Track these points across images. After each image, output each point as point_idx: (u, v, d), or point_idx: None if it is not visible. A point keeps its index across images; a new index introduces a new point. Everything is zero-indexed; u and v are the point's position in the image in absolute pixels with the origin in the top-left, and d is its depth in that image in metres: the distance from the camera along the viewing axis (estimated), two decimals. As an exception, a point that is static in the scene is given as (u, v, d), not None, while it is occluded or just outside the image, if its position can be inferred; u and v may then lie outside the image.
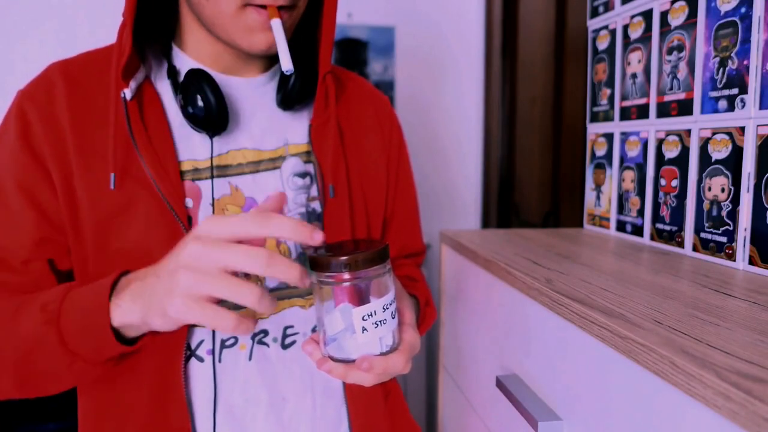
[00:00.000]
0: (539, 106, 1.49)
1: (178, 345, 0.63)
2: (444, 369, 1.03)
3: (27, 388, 0.60)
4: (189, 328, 0.64)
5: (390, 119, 0.83)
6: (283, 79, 0.69)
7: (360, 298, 0.51)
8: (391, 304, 0.53)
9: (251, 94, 0.71)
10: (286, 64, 0.61)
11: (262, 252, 0.46)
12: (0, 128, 0.66)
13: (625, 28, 0.91)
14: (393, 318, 0.53)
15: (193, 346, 0.65)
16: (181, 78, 0.67)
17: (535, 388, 0.64)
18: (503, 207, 1.71)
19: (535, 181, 1.53)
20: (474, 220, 1.83)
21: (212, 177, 0.66)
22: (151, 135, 0.63)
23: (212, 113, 0.64)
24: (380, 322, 0.52)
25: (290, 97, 0.69)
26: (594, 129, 1.01)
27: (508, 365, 0.72)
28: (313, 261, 0.51)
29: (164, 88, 0.68)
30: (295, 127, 0.72)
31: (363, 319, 0.51)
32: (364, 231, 0.75)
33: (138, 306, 0.52)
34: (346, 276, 0.50)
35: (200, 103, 0.63)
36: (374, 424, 0.74)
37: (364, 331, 0.51)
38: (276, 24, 0.61)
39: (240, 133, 0.69)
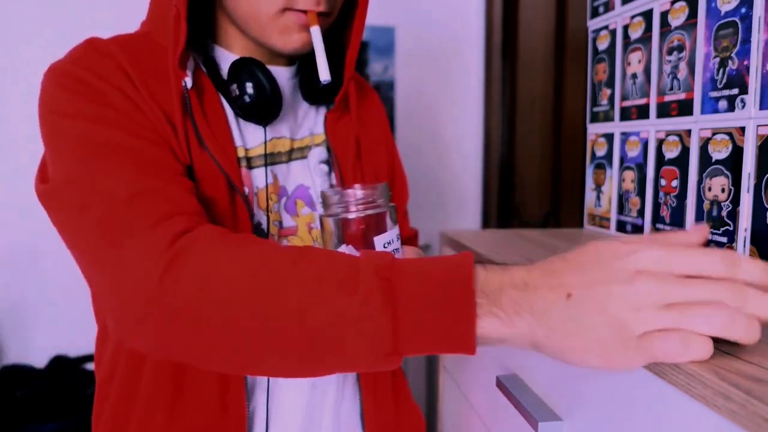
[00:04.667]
0: (539, 106, 1.49)
1: None
2: (444, 369, 1.03)
3: (311, 366, 0.44)
4: None
5: (384, 112, 0.86)
6: (309, 74, 0.70)
7: (376, 229, 0.54)
8: (398, 237, 0.56)
9: (285, 84, 0.71)
10: (324, 74, 0.61)
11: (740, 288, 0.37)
12: (52, 102, 0.56)
13: (626, 28, 0.91)
14: (402, 248, 0.57)
15: None
16: (222, 69, 0.66)
17: (535, 388, 0.64)
18: (503, 207, 1.71)
19: (535, 181, 1.53)
20: (474, 220, 1.83)
21: (266, 165, 0.66)
22: (211, 123, 0.62)
23: (267, 102, 0.63)
24: (395, 251, 0.55)
25: (320, 92, 0.70)
26: (594, 129, 1.01)
27: (508, 365, 0.72)
28: (328, 197, 0.54)
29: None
30: (317, 118, 0.74)
31: (384, 247, 0.53)
32: None
33: (530, 323, 0.40)
34: (361, 207, 0.53)
35: (254, 91, 0.63)
36: (382, 404, 0.75)
37: None
38: (316, 32, 0.61)
39: (281, 122, 0.70)
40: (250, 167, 0.66)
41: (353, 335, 0.41)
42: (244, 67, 0.63)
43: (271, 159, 0.68)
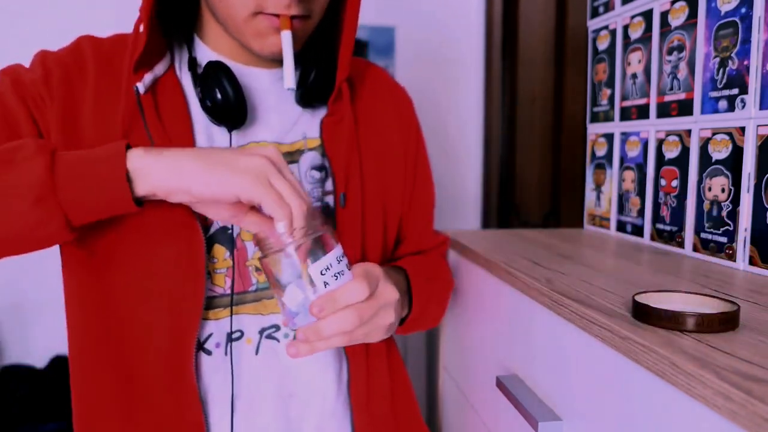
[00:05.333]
0: (539, 106, 1.49)
1: (189, 337, 0.62)
2: (444, 369, 1.03)
3: None
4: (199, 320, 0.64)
5: (409, 112, 0.83)
6: (303, 76, 0.68)
7: (318, 252, 0.52)
8: (342, 257, 0.54)
9: (271, 86, 0.71)
10: (289, 82, 0.61)
11: (306, 203, 0.53)
12: (11, 68, 0.63)
13: (626, 28, 0.91)
14: (349, 270, 0.55)
15: (201, 339, 0.64)
16: (201, 70, 0.66)
17: (535, 388, 0.64)
18: (503, 207, 1.71)
19: (535, 181, 1.53)
20: (474, 220, 1.83)
21: None
22: (168, 126, 0.63)
23: (231, 107, 0.63)
24: (338, 273, 0.53)
25: (309, 95, 0.69)
26: (594, 129, 1.01)
27: (508, 365, 0.72)
28: (257, 238, 0.54)
29: (187, 79, 0.67)
30: (313, 121, 0.72)
31: (321, 274, 0.52)
32: (379, 231, 0.74)
33: (176, 154, 0.52)
34: (289, 240, 0.51)
35: (218, 96, 0.63)
36: (377, 424, 0.74)
37: (327, 286, 0.52)
38: (286, 36, 0.60)
39: (260, 125, 0.69)
40: None
41: (11, 182, 0.49)
42: (211, 71, 0.64)
43: None
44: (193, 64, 0.67)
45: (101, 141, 0.60)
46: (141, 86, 0.61)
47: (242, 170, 0.50)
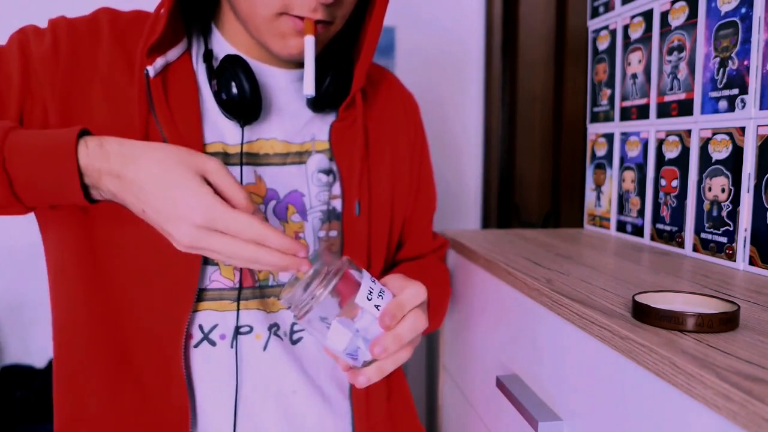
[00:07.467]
0: (539, 106, 1.49)
1: (179, 324, 0.63)
2: (444, 369, 1.03)
3: None
4: (201, 312, 0.64)
5: (416, 119, 0.83)
6: (318, 81, 0.68)
7: (351, 290, 0.51)
8: (371, 278, 0.54)
9: (286, 85, 0.71)
10: (308, 88, 0.61)
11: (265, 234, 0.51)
12: (23, 31, 0.63)
13: (626, 28, 0.91)
14: (386, 286, 0.55)
15: (206, 330, 0.65)
16: (217, 62, 0.66)
17: (535, 388, 0.64)
18: (503, 207, 1.71)
19: (535, 181, 1.53)
20: (474, 220, 1.83)
21: (241, 164, 0.66)
22: (176, 113, 0.62)
23: (245, 102, 0.63)
24: (381, 292, 0.53)
25: (322, 101, 0.69)
26: (594, 129, 1.01)
27: (508, 365, 0.72)
28: (291, 299, 0.51)
29: (201, 70, 0.67)
30: (322, 124, 0.72)
31: (368, 299, 0.51)
32: (384, 236, 0.75)
33: (119, 158, 0.51)
34: (324, 283, 0.50)
35: (234, 90, 0.63)
36: (375, 421, 0.74)
37: (378, 308, 0.52)
38: (309, 41, 0.60)
39: (271, 122, 0.69)
40: (227, 164, 0.65)
41: None
42: (229, 65, 0.64)
43: (254, 159, 0.67)
44: (208, 56, 0.66)
45: (113, 117, 0.61)
46: (151, 70, 0.61)
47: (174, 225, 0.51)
